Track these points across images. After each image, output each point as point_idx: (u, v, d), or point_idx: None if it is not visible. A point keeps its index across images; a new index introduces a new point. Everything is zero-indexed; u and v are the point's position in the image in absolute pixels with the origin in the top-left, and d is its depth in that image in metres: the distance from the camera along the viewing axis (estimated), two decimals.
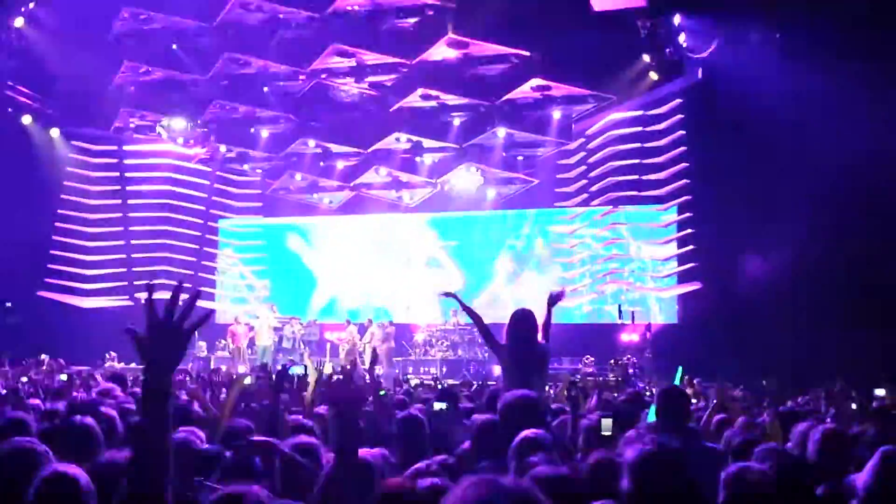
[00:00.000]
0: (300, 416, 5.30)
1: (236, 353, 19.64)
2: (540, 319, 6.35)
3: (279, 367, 6.30)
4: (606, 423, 4.56)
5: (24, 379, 11.69)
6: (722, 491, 3.03)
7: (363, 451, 3.15)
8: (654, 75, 18.52)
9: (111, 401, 6.32)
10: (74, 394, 7.88)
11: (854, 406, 7.61)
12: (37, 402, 6.59)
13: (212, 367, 17.39)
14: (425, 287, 21.88)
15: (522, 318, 6.30)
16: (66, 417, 4.69)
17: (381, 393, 5.98)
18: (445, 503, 1.57)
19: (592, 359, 17.60)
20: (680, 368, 12.95)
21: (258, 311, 21.33)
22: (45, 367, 15.02)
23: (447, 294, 7.97)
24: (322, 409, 5.51)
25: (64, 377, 9.60)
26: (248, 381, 6.52)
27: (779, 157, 16.38)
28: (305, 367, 7.02)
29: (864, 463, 3.34)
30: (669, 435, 3.57)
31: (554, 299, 6.62)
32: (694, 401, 7.70)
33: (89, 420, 4.13)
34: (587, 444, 4.49)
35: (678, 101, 19.17)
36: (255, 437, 3.93)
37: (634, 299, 19.91)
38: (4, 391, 7.21)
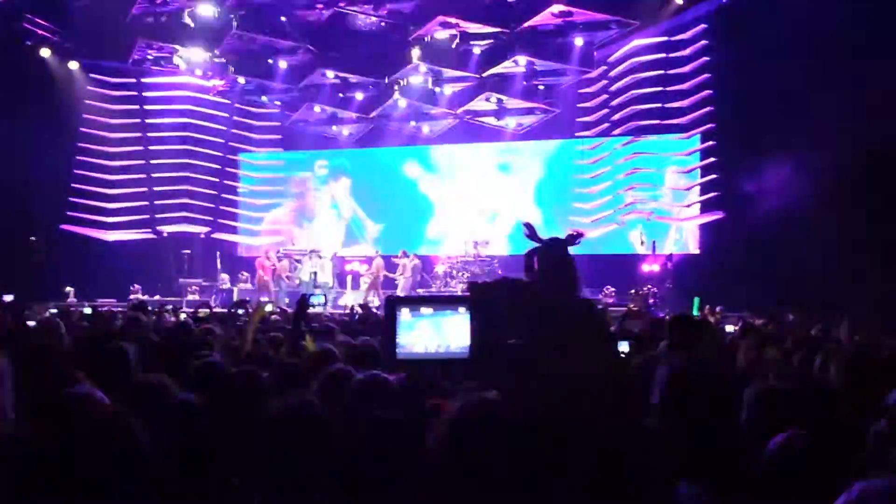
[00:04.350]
0: None
1: (263, 286, 19.74)
2: None
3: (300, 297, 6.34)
4: (623, 345, 4.73)
5: (54, 310, 11.93)
6: (745, 411, 3.06)
7: None
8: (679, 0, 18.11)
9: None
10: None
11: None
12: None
13: (235, 299, 17.61)
14: (447, 219, 21.99)
15: (554, 246, 6.10)
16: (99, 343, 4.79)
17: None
18: None
19: (613, 289, 17.61)
20: (697, 299, 12.98)
21: (286, 248, 21.36)
22: (68, 301, 15.33)
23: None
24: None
25: (88, 310, 9.77)
26: (269, 308, 6.62)
27: (805, 84, 16.03)
28: (325, 296, 7.07)
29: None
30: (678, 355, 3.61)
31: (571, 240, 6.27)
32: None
33: (122, 345, 4.22)
34: None
35: (703, 26, 18.78)
36: None
37: (655, 229, 19.81)
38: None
